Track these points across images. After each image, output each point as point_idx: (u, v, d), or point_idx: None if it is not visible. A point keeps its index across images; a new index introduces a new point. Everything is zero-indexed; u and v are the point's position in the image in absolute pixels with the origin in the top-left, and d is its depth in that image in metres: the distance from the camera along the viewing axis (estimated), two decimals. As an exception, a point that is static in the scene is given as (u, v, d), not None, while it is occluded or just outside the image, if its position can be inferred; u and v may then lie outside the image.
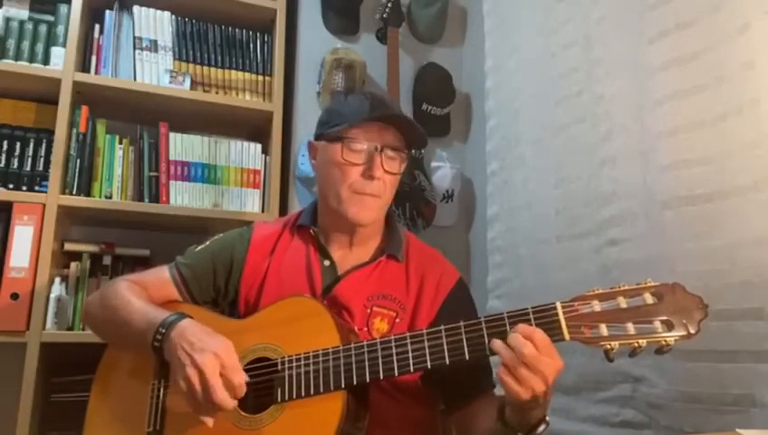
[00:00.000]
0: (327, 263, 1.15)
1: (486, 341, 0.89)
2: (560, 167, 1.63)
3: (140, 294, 1.10)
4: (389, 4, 2.05)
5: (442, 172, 2.11)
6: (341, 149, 1.09)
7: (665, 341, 0.82)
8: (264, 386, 0.97)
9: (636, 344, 0.82)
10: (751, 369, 1.09)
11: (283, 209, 1.96)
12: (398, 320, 1.10)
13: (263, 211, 1.92)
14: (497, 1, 2.03)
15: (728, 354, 1.13)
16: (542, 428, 0.89)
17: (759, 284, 1.09)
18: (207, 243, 1.21)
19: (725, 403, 1.13)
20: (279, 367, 0.97)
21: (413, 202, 2.01)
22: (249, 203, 1.92)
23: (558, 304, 0.88)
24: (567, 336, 0.86)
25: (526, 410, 0.86)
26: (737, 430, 0.86)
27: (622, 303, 0.85)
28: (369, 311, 1.09)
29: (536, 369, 0.82)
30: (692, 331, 0.82)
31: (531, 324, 0.87)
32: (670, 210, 1.27)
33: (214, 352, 0.91)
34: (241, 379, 0.92)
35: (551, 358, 0.83)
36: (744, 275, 1.11)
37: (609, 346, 0.84)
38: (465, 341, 0.90)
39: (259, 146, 1.97)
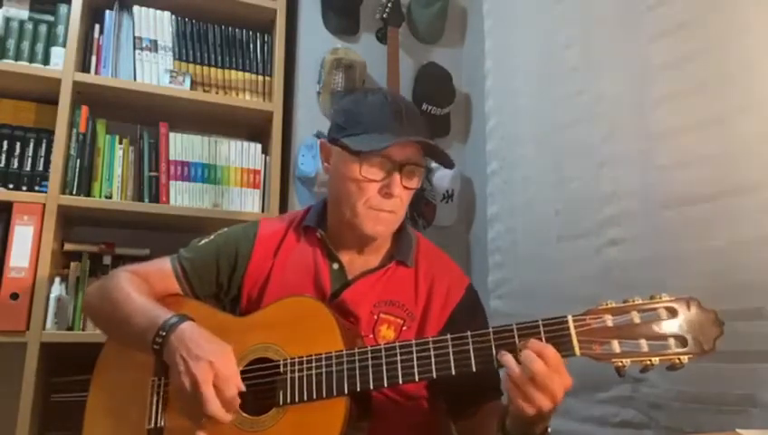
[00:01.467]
0: (336, 266, 1.11)
1: (494, 352, 0.86)
2: (560, 167, 1.62)
3: (141, 287, 1.07)
4: (389, 4, 2.05)
5: (442, 172, 2.11)
6: (360, 165, 1.03)
7: (678, 359, 0.79)
8: (265, 388, 0.96)
9: (648, 362, 0.80)
10: (751, 369, 1.09)
11: (283, 209, 1.96)
12: (405, 328, 1.07)
13: (262, 211, 1.92)
14: (497, 1, 2.03)
15: (728, 354, 1.11)
16: None
17: (759, 284, 1.09)
18: (212, 237, 1.17)
19: (726, 403, 1.13)
20: (281, 369, 0.96)
21: (413, 202, 1.98)
22: (249, 203, 1.92)
23: (569, 318, 0.84)
24: (578, 352, 0.83)
25: (529, 425, 0.85)
26: (737, 430, 0.86)
27: (635, 318, 0.82)
28: (375, 318, 1.06)
29: (545, 386, 0.80)
30: (706, 348, 0.79)
31: (540, 338, 0.84)
32: (670, 210, 1.27)
33: (209, 361, 0.89)
34: (233, 391, 0.90)
35: (560, 375, 0.81)
36: (744, 275, 1.11)
37: (620, 363, 0.81)
38: (472, 351, 0.87)
39: (259, 146, 1.97)
